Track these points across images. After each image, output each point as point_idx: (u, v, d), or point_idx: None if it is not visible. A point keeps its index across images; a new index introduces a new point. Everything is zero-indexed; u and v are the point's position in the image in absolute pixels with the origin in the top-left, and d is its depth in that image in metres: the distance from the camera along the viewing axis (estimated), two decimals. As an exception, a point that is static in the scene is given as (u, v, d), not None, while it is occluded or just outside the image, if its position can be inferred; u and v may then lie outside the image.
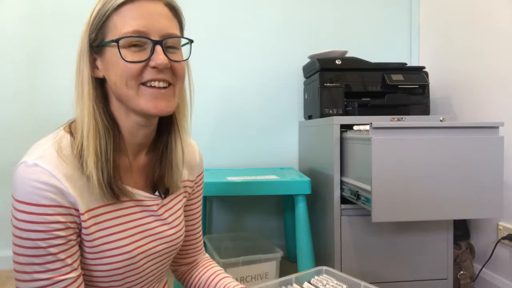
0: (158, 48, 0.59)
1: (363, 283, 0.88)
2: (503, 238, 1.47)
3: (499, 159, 1.17)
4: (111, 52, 0.59)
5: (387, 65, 1.67)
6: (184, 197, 0.79)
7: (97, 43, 0.60)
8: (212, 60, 1.99)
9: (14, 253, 0.55)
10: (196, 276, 0.83)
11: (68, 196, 0.55)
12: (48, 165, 0.54)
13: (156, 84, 0.60)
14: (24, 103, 1.89)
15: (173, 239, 0.72)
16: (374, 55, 1.88)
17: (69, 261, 0.57)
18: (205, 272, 0.83)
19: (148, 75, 0.59)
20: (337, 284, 0.90)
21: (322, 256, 1.60)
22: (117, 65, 0.59)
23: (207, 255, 0.90)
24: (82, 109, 0.59)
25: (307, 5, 2.06)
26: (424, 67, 1.69)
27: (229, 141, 2.05)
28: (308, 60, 1.87)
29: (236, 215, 2.07)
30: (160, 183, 0.70)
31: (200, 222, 0.86)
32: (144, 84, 0.60)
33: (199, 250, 0.86)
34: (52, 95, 1.86)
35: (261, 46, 2.05)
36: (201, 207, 0.85)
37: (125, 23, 0.58)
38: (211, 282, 0.80)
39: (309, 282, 0.92)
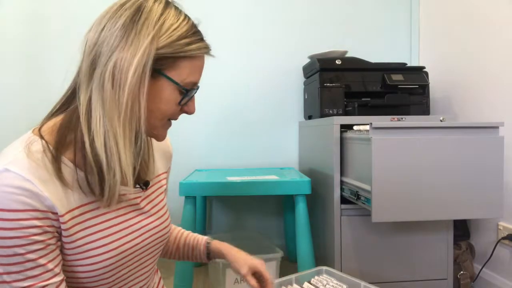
0: (194, 97, 0.66)
1: (363, 283, 0.88)
2: (503, 238, 1.47)
3: (499, 159, 1.17)
4: (165, 86, 0.60)
5: (387, 65, 1.67)
6: (165, 189, 0.80)
7: (156, 67, 0.58)
8: (211, 60, 1.98)
9: None
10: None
11: (44, 199, 0.53)
12: (20, 169, 0.52)
13: None
14: (23, 103, 1.89)
15: (159, 230, 0.72)
16: (374, 55, 1.89)
17: (50, 266, 0.55)
18: (171, 235, 0.90)
19: (177, 115, 0.66)
20: (337, 284, 0.90)
21: (322, 256, 1.60)
22: (167, 101, 0.61)
23: None
24: (121, 127, 0.57)
25: (307, 5, 2.06)
26: (424, 67, 1.69)
27: (229, 141, 2.05)
28: (308, 60, 1.87)
29: (236, 215, 2.07)
30: (137, 176, 0.69)
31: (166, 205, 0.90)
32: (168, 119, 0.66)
33: None
34: (52, 95, 1.86)
35: (261, 46, 2.05)
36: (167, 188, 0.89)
37: (190, 74, 0.62)
38: (179, 239, 0.89)
39: (309, 282, 0.93)
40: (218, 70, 2.02)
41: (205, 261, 0.89)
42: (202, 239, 0.89)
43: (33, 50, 1.91)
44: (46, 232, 0.54)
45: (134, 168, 0.61)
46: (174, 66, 0.60)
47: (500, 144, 1.17)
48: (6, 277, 0.53)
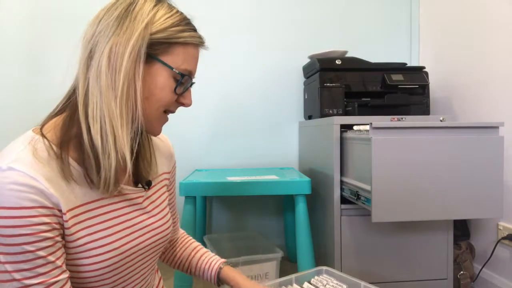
0: (190, 89, 0.67)
1: (363, 283, 0.88)
2: (503, 238, 1.47)
3: (499, 159, 1.17)
4: (159, 71, 0.62)
5: (387, 65, 1.67)
6: (167, 190, 0.80)
7: (151, 52, 0.61)
8: (212, 60, 1.99)
9: None
10: (177, 253, 0.89)
11: (51, 196, 0.54)
12: (25, 167, 0.53)
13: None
14: (24, 102, 1.89)
15: (161, 231, 0.73)
16: (374, 55, 1.88)
17: (58, 263, 0.56)
18: (185, 249, 0.89)
19: (173, 107, 0.67)
20: (337, 284, 0.90)
21: (322, 256, 1.60)
22: (161, 88, 0.62)
23: (181, 230, 0.95)
24: (120, 109, 0.59)
25: (307, 5, 2.06)
26: (424, 67, 1.69)
27: (229, 141, 2.05)
28: (308, 60, 1.87)
29: (236, 215, 2.07)
30: (139, 175, 0.71)
31: (175, 204, 0.90)
32: (165, 112, 0.66)
33: (177, 229, 0.92)
34: (52, 95, 1.86)
35: (261, 46, 2.05)
36: (175, 191, 0.89)
37: (184, 60, 0.63)
38: (193, 257, 0.87)
39: (309, 282, 0.93)
40: (218, 70, 2.02)
41: (216, 286, 0.86)
42: (215, 264, 0.85)
43: (33, 50, 1.91)
44: (54, 229, 0.55)
45: (132, 152, 0.61)
46: (168, 52, 0.62)
47: (500, 144, 1.17)
48: (16, 275, 0.53)
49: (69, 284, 0.58)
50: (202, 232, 1.90)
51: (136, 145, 0.65)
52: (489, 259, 1.52)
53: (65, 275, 0.57)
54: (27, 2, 1.90)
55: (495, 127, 1.19)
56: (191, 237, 0.93)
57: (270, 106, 2.06)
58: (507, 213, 1.45)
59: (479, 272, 1.57)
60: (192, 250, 0.88)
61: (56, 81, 1.89)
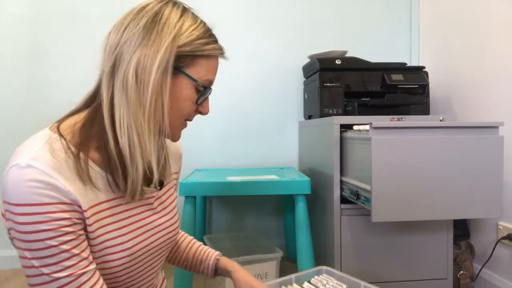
0: (208, 98, 0.69)
1: (363, 283, 0.88)
2: (503, 238, 1.47)
3: (499, 159, 1.17)
4: (184, 84, 0.62)
5: (387, 65, 1.67)
6: (175, 190, 0.82)
7: (177, 65, 0.61)
8: (212, 60, 1.99)
9: (25, 258, 0.53)
10: (173, 248, 0.90)
11: (68, 194, 0.55)
12: (43, 165, 0.53)
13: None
14: (24, 101, 1.89)
15: (170, 231, 0.74)
16: (374, 55, 1.88)
17: (84, 254, 0.56)
18: (181, 243, 0.91)
19: (192, 116, 0.68)
20: (337, 284, 0.90)
21: (322, 256, 1.60)
22: (184, 99, 0.63)
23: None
24: (148, 118, 0.60)
25: (307, 5, 2.07)
26: (424, 67, 1.69)
27: (229, 141, 2.05)
28: (308, 60, 1.87)
29: (236, 215, 2.07)
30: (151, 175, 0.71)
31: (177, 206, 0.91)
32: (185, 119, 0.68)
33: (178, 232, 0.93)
34: (52, 93, 1.87)
35: (261, 46, 2.05)
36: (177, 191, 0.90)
37: (207, 72, 0.65)
38: (189, 250, 0.89)
39: (309, 282, 0.93)
40: (218, 70, 2.02)
41: (210, 277, 0.87)
42: (212, 254, 0.88)
43: (33, 49, 1.91)
44: (75, 223, 0.56)
45: (158, 162, 0.63)
46: (192, 64, 0.63)
47: (500, 144, 1.17)
48: (44, 270, 0.54)
49: (97, 274, 0.58)
50: (202, 232, 1.90)
51: (163, 155, 0.66)
52: (489, 259, 1.52)
53: (93, 266, 0.58)
54: (27, 2, 1.89)
55: (495, 127, 1.19)
56: (184, 232, 0.94)
57: (270, 106, 2.06)
58: (507, 213, 1.45)
59: (479, 272, 1.57)
60: (189, 243, 0.90)
61: (56, 81, 1.89)
